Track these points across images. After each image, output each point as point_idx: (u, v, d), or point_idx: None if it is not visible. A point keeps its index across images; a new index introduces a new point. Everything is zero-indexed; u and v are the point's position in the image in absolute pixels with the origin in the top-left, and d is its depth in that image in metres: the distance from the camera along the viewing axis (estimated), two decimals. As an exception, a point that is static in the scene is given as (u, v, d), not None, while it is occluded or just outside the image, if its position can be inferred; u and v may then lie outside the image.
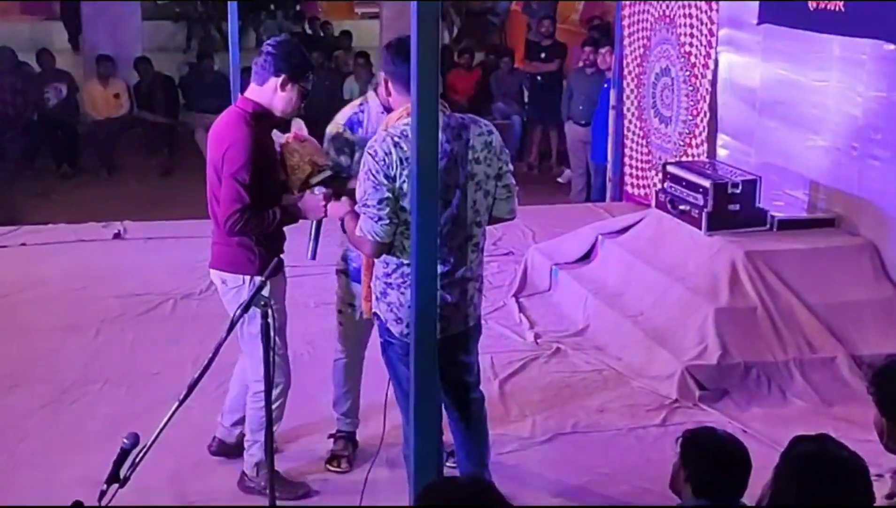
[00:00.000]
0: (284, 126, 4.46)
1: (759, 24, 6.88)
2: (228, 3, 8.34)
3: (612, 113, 9.08)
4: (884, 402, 3.10)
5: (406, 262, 3.67)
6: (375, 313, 3.88)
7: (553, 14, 13.66)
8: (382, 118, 4.29)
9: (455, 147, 3.70)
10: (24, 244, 7.68)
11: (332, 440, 4.83)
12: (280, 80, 4.10)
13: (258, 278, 4.04)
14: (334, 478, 4.64)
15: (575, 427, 5.16)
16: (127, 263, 7.33)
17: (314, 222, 4.26)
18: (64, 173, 11.16)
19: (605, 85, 9.30)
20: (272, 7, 17.94)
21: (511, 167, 3.92)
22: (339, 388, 4.78)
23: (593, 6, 16.22)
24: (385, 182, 3.58)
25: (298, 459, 4.77)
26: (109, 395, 5.34)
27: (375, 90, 4.33)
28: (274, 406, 4.19)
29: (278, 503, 3.90)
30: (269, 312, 3.48)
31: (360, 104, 4.44)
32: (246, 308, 3.48)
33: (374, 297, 3.89)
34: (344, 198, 4.04)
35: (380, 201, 3.58)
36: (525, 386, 5.57)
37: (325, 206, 4.14)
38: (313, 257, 4.37)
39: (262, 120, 4.17)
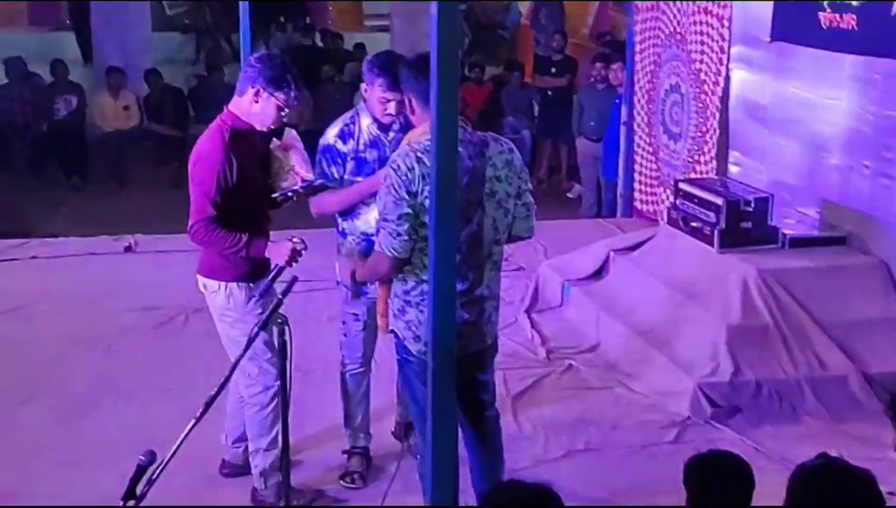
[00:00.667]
0: (280, 135, 4.52)
1: (771, 41, 6.90)
2: (241, 14, 8.41)
3: (623, 129, 9.09)
4: None
5: (425, 279, 3.68)
6: (393, 331, 3.88)
7: (563, 29, 13.69)
8: (374, 130, 4.43)
9: (476, 164, 3.71)
10: (34, 257, 7.71)
11: (346, 455, 4.83)
12: (254, 90, 4.13)
13: (233, 284, 4.25)
14: (348, 494, 4.65)
15: (588, 444, 5.17)
16: (138, 276, 7.34)
17: (276, 265, 4.19)
18: (73, 185, 11.21)
19: (617, 101, 9.32)
20: (282, 19, 17.96)
21: (530, 186, 3.94)
22: (347, 402, 4.79)
23: (603, 21, 16.28)
24: (406, 197, 3.58)
25: (312, 470, 4.78)
26: (122, 409, 5.35)
27: (364, 101, 4.44)
28: (269, 409, 4.33)
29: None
30: (286, 329, 3.50)
31: (351, 116, 4.51)
32: (263, 326, 3.50)
33: (391, 314, 3.89)
34: (344, 258, 4.03)
35: (399, 217, 3.59)
36: (537, 403, 5.57)
37: (292, 256, 4.17)
38: (261, 296, 4.23)
39: (241, 133, 4.19)
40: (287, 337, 3.49)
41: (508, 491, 2.60)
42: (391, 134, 4.44)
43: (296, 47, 16.34)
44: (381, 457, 4.87)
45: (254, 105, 4.16)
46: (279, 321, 3.48)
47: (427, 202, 3.55)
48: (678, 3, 8.03)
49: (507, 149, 3.83)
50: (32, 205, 10.07)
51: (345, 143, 4.45)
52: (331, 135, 4.49)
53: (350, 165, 4.44)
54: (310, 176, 4.39)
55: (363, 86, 4.44)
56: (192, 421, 3.42)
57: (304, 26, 18.28)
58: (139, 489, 3.23)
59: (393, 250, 3.62)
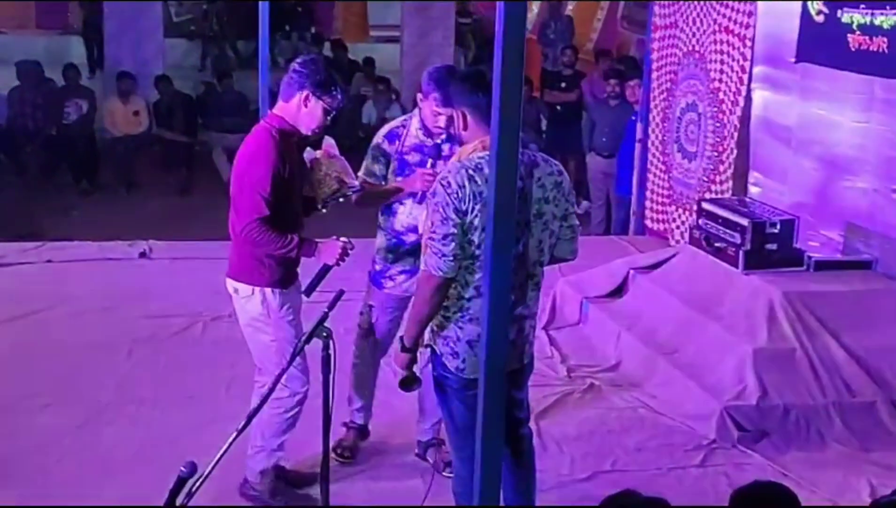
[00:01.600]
0: (316, 144, 4.54)
1: (796, 62, 6.87)
2: (260, 19, 8.40)
3: (638, 146, 9.06)
4: None
5: (466, 296, 3.64)
6: (429, 346, 3.83)
7: (572, 44, 13.70)
8: (419, 135, 4.63)
9: (525, 184, 3.65)
10: (49, 261, 7.64)
11: (344, 427, 4.99)
12: (303, 95, 4.19)
13: (267, 290, 4.27)
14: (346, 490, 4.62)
15: (614, 466, 5.12)
16: (154, 283, 7.28)
17: (324, 264, 4.30)
18: (83, 189, 11.17)
19: (633, 118, 9.29)
20: (287, 28, 17.96)
21: (576, 209, 3.92)
22: (354, 387, 4.99)
23: (608, 37, 16.29)
24: (454, 216, 3.53)
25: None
26: (144, 417, 5.29)
27: (420, 102, 4.65)
28: (290, 414, 4.40)
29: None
30: (331, 343, 3.44)
31: (405, 119, 4.77)
32: (308, 339, 3.45)
33: (429, 328, 3.84)
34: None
35: (445, 237, 3.53)
36: (561, 422, 5.51)
37: (341, 255, 4.27)
38: (307, 295, 4.39)
39: (288, 136, 4.25)
40: (331, 350, 3.43)
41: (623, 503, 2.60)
42: (436, 141, 4.64)
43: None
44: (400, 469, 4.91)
45: (302, 109, 4.22)
46: (324, 334, 3.42)
47: (476, 221, 3.52)
48: (697, 21, 8.01)
49: (557, 171, 3.80)
50: (43, 209, 10.02)
51: (391, 143, 4.69)
52: (382, 133, 4.75)
53: (393, 165, 4.68)
54: (355, 183, 4.53)
55: (419, 95, 4.65)
56: (235, 433, 3.36)
57: (311, 36, 18.30)
58: (179, 500, 3.17)
59: (439, 271, 3.56)
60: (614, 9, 16.37)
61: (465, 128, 3.76)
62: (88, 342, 6.17)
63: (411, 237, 4.66)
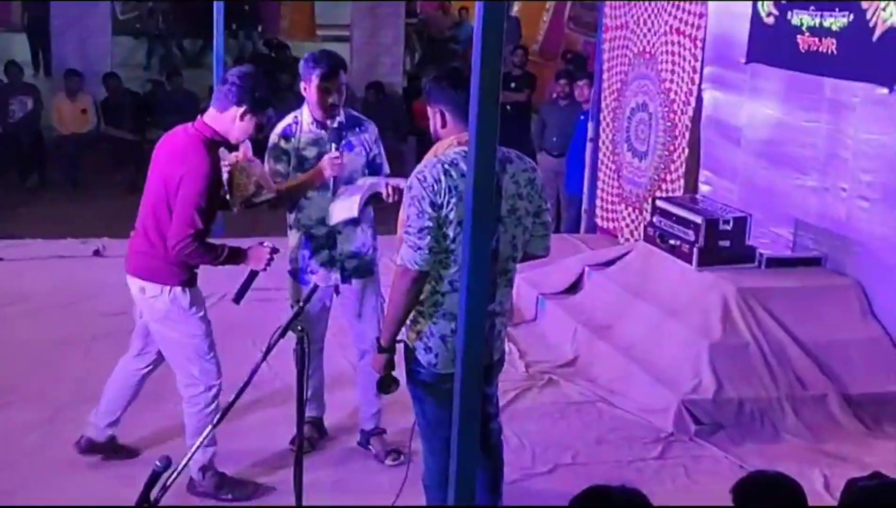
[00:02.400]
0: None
1: (747, 63, 7.01)
2: (214, 22, 8.38)
3: (589, 145, 9.16)
4: None
5: (440, 291, 3.67)
6: (402, 341, 3.85)
7: (521, 44, 13.79)
8: (313, 129, 4.71)
9: (500, 180, 3.68)
10: (1, 259, 7.55)
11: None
12: (241, 110, 4.29)
13: (177, 289, 4.38)
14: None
15: (575, 459, 5.19)
16: (109, 280, 7.15)
17: (252, 270, 4.48)
18: (30, 187, 11.03)
19: (582, 117, 9.39)
20: (234, 27, 17.84)
21: (549, 206, 3.96)
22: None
23: (554, 38, 16.44)
24: (429, 210, 3.56)
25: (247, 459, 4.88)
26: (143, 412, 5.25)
27: (304, 89, 4.72)
28: (210, 408, 4.49)
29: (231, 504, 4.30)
30: (305, 338, 3.47)
31: (295, 115, 4.78)
32: (283, 333, 3.46)
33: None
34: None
35: (420, 230, 3.56)
36: (521, 416, 5.57)
37: (269, 259, 4.44)
38: (236, 302, 4.51)
39: (217, 146, 4.36)
40: (305, 345, 3.46)
41: (598, 498, 2.63)
42: (328, 133, 4.70)
43: (251, 56, 16.25)
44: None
45: (237, 122, 4.31)
46: (299, 328, 3.44)
47: (452, 215, 3.55)
48: (648, 23, 8.13)
49: (531, 168, 3.84)
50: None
51: (287, 141, 4.73)
52: (275, 133, 4.77)
53: (293, 162, 4.72)
54: (273, 187, 4.59)
55: (302, 85, 4.72)
56: (209, 427, 3.38)
57: (258, 35, 18.20)
58: (153, 494, 3.18)
59: (415, 264, 3.58)
60: (560, 10, 16.53)
61: (444, 126, 3.79)
62: (47, 340, 6.12)
63: (322, 230, 4.77)
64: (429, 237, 3.56)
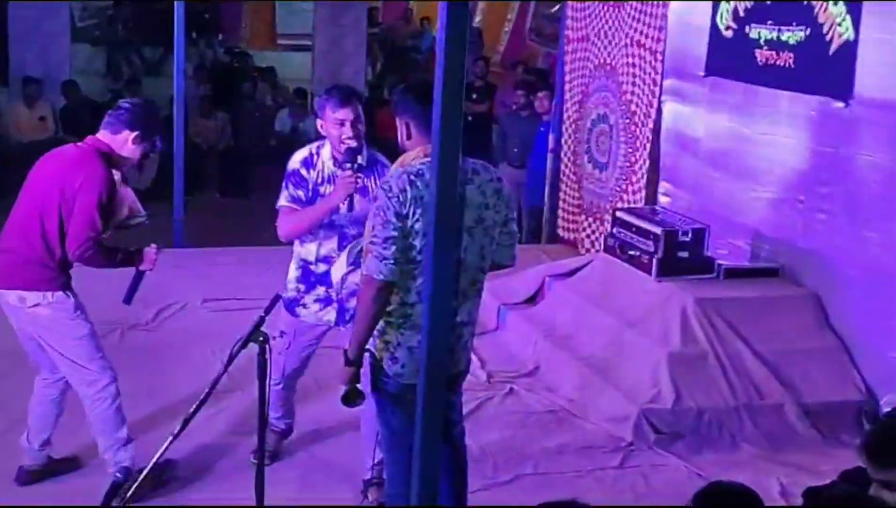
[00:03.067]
0: None
1: (705, 76, 7.09)
2: (175, 30, 8.35)
3: (549, 156, 9.20)
4: None
5: (409, 302, 3.67)
6: (368, 350, 3.84)
7: (482, 55, 13.85)
8: (331, 166, 4.61)
9: (467, 191, 3.70)
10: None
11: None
12: (133, 136, 4.52)
13: (59, 293, 4.50)
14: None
15: (535, 468, 5.20)
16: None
17: (138, 271, 4.68)
18: (-14, 196, 10.85)
19: (542, 128, 9.43)
20: (193, 35, 17.77)
21: (515, 215, 3.98)
22: (275, 410, 4.97)
23: (514, 49, 16.52)
24: (394, 220, 3.56)
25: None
26: (64, 426, 5.14)
27: (321, 126, 4.65)
28: (116, 404, 4.59)
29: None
30: (267, 347, 3.46)
31: (317, 146, 4.71)
32: (244, 344, 3.45)
33: None
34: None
35: (385, 240, 3.56)
36: (483, 426, 5.56)
37: (156, 259, 4.68)
38: (128, 302, 4.73)
39: (111, 161, 4.53)
40: (268, 355, 3.45)
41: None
42: (348, 170, 4.54)
43: (212, 65, 16.19)
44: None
45: (129, 145, 4.53)
46: (261, 338, 3.43)
47: (417, 225, 3.56)
48: (609, 35, 8.19)
49: (497, 178, 3.87)
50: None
51: (307, 171, 4.64)
52: (297, 160, 4.68)
53: (309, 196, 4.63)
54: (143, 212, 4.74)
55: (319, 122, 4.65)
56: (170, 437, 3.36)
57: (218, 43, 18.15)
58: (114, 503, 3.17)
59: (380, 274, 3.58)
60: (522, 22, 16.62)
61: (409, 137, 3.81)
62: (6, 350, 5.99)
63: (320, 268, 4.67)
64: (394, 247, 3.56)
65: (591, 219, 8.54)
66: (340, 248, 4.58)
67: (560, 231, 9.16)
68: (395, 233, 3.56)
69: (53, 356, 4.61)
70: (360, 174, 4.51)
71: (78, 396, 4.66)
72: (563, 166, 9.06)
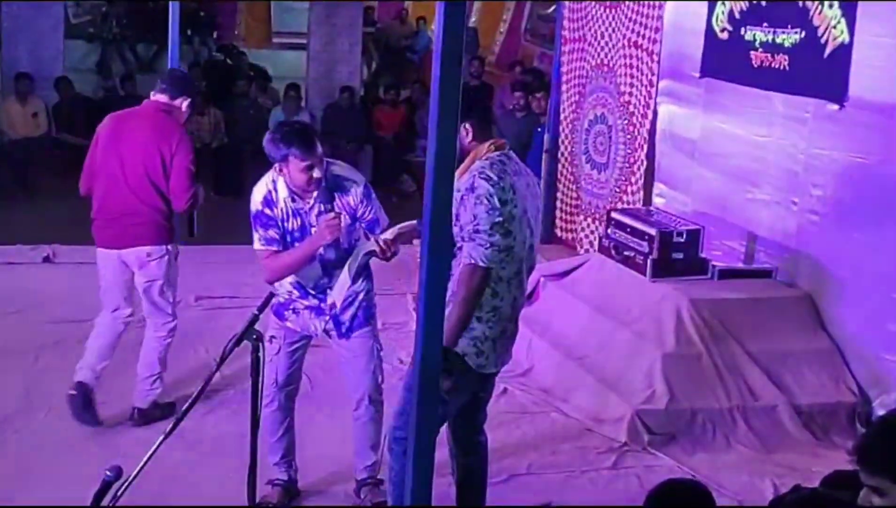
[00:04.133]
0: None
1: (701, 77, 7.08)
2: (169, 27, 8.33)
3: (545, 157, 9.19)
4: None
5: (500, 293, 3.84)
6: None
7: (477, 55, 13.85)
8: (288, 203, 4.38)
9: (516, 183, 3.88)
10: (-52, 265, 7.44)
11: (268, 486, 4.68)
12: (188, 101, 5.39)
13: (170, 246, 5.32)
14: None
15: (530, 469, 5.21)
16: (59, 288, 7.14)
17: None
18: (-23, 192, 10.84)
19: (539, 129, 9.42)
20: (189, 32, 17.73)
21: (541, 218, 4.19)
22: (272, 436, 4.68)
23: (510, 49, 16.51)
24: (499, 206, 3.70)
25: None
26: (55, 424, 5.19)
27: (280, 171, 4.36)
28: (169, 343, 5.45)
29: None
30: (261, 346, 3.45)
31: (272, 182, 4.44)
32: (239, 341, 3.44)
33: None
34: None
35: (492, 226, 3.68)
36: (477, 426, 5.57)
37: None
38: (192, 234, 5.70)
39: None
40: (261, 353, 3.44)
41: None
42: (310, 201, 4.39)
43: (206, 62, 16.15)
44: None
45: (183, 109, 5.37)
46: (254, 336, 3.42)
47: (515, 211, 3.75)
48: (606, 36, 8.19)
49: (536, 181, 4.14)
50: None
51: (271, 210, 4.41)
52: (257, 201, 4.44)
53: (281, 230, 4.42)
54: None
55: (276, 166, 4.35)
56: (161, 437, 3.34)
57: (213, 41, 18.10)
58: (105, 503, 3.15)
59: (485, 260, 3.70)
60: (517, 22, 16.62)
61: (473, 138, 3.95)
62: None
63: (310, 284, 4.52)
64: (498, 235, 3.70)
65: (589, 219, 8.52)
66: (325, 271, 4.44)
67: (558, 232, 9.14)
68: (500, 219, 3.71)
69: (146, 297, 5.39)
70: (342, 213, 4.35)
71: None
72: (560, 167, 9.05)
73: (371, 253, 4.32)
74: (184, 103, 5.34)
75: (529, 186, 3.98)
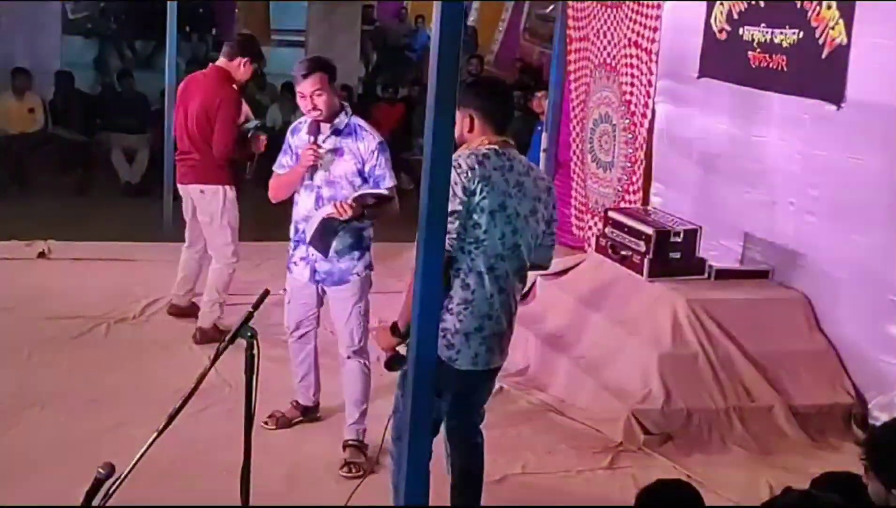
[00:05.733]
0: None
1: (699, 77, 7.06)
2: (168, 24, 8.31)
3: (542, 156, 9.15)
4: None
5: (470, 285, 3.80)
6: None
7: (476, 53, 13.84)
8: (303, 136, 4.92)
9: (525, 182, 3.88)
10: (-57, 260, 7.41)
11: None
12: (245, 61, 6.26)
13: (227, 187, 6.26)
14: None
15: (525, 469, 5.18)
16: (54, 284, 7.11)
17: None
18: (-27, 187, 10.78)
19: (539, 128, 9.39)
20: (187, 29, 17.69)
21: (557, 218, 4.11)
22: (293, 361, 5.33)
23: (509, 48, 16.51)
24: (461, 194, 3.69)
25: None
26: (48, 421, 5.16)
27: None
28: (230, 273, 6.40)
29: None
30: (255, 343, 3.43)
31: (305, 118, 4.99)
32: (232, 338, 3.42)
33: None
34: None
35: (451, 213, 3.62)
36: (472, 425, 5.55)
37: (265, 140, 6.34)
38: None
39: (232, 81, 6.29)
40: (255, 351, 3.42)
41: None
42: (321, 139, 4.87)
43: (205, 59, 16.10)
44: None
45: (241, 69, 6.28)
46: (249, 334, 3.40)
47: (484, 203, 3.73)
48: (608, 35, 8.16)
49: (548, 179, 4.12)
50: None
51: (293, 137, 5.03)
52: (291, 127, 5.13)
53: (293, 160, 4.99)
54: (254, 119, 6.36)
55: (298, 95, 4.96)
56: (154, 434, 3.32)
57: (212, 38, 18.08)
58: (96, 502, 3.12)
59: None
60: (516, 21, 16.62)
61: (471, 130, 3.92)
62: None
63: (302, 227, 4.92)
64: (457, 222, 3.69)
65: (596, 218, 8.47)
66: (316, 207, 4.82)
67: (574, 230, 9.06)
68: (459, 207, 3.69)
69: (206, 233, 6.38)
70: (320, 145, 4.81)
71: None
72: (572, 165, 8.98)
73: (334, 219, 4.71)
74: (242, 63, 6.22)
75: (523, 186, 3.87)
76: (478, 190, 3.72)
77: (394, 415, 4.04)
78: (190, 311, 6.61)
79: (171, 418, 3.35)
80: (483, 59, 13.18)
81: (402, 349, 3.85)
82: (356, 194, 4.68)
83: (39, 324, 6.35)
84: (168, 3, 8.04)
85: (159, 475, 4.43)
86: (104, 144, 11.56)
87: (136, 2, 16.76)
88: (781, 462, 5.39)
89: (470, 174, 3.72)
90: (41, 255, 7.66)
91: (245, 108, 6.41)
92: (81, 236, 8.30)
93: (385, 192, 4.72)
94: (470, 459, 4.26)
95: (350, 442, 5.02)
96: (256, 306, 3.51)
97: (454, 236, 3.69)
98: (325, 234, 4.75)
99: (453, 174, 3.63)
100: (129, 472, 3.25)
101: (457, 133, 3.89)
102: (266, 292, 3.56)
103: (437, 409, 3.81)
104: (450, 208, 3.56)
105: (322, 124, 4.84)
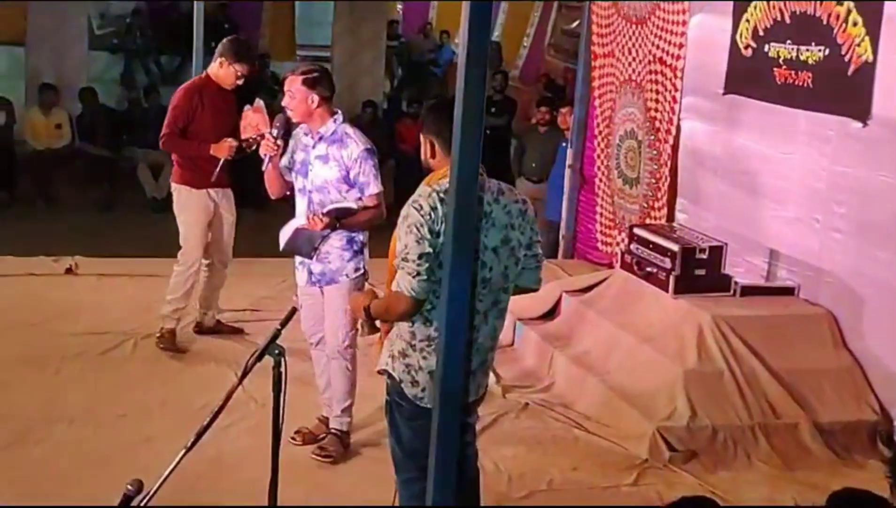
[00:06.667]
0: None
1: (724, 94, 7.06)
2: (194, 39, 8.38)
3: (567, 171, 9.17)
4: None
5: (433, 324, 3.65)
6: (387, 371, 3.84)
7: (501, 69, 13.86)
8: (301, 136, 5.13)
9: (493, 210, 3.71)
10: (-30, 276, 7.47)
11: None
12: (220, 61, 6.38)
13: (185, 187, 6.42)
14: None
15: (550, 485, 5.19)
16: (81, 299, 7.17)
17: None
18: (0, 201, 10.88)
19: (564, 144, 9.40)
20: (212, 44, 17.79)
21: (539, 238, 3.96)
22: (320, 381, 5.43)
23: (533, 64, 16.53)
24: (428, 236, 3.55)
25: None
26: (76, 435, 5.20)
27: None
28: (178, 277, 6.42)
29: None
30: (283, 360, 3.45)
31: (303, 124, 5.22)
32: (261, 355, 3.45)
33: (389, 354, 3.85)
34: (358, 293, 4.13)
35: (420, 256, 3.54)
36: (498, 441, 5.56)
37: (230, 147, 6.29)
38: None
39: (209, 83, 6.48)
40: (283, 368, 3.44)
41: None
42: (313, 142, 5.05)
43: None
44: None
45: (220, 70, 6.39)
46: (276, 351, 3.42)
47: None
48: (633, 51, 8.16)
49: (522, 200, 3.85)
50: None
51: (293, 139, 5.21)
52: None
53: (287, 162, 5.22)
54: (269, 131, 5.32)
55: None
56: (183, 451, 3.35)
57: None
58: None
59: (412, 291, 3.56)
60: (540, 37, 16.63)
61: (433, 156, 3.81)
62: (15, 358, 6.04)
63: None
64: (427, 264, 3.55)
65: (623, 235, 8.46)
66: (309, 211, 5.02)
67: (600, 246, 9.05)
68: (429, 250, 3.55)
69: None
70: (277, 140, 5.14)
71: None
72: (597, 182, 8.98)
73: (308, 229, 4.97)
74: (219, 64, 6.35)
75: (490, 215, 3.70)
76: (442, 231, 3.52)
77: (401, 458, 3.98)
78: (216, 328, 6.72)
79: (200, 434, 3.39)
80: (508, 75, 13.18)
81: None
82: (326, 209, 4.92)
83: (67, 340, 6.40)
84: (194, 18, 8.11)
85: (187, 490, 4.45)
86: (130, 159, 11.68)
87: (162, 17, 16.88)
88: (806, 478, 5.37)
89: (433, 215, 3.55)
90: (69, 271, 7.71)
91: (263, 116, 6.25)
92: (108, 251, 8.37)
93: (353, 205, 4.93)
94: (463, 456, 4.17)
95: (333, 431, 5.28)
96: (284, 323, 3.54)
97: (425, 277, 3.55)
98: (299, 242, 5.02)
99: (416, 216, 3.57)
100: (157, 488, 3.29)
101: (422, 157, 3.89)
102: (294, 310, 3.58)
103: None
104: (418, 252, 3.55)
105: (312, 130, 5.04)
